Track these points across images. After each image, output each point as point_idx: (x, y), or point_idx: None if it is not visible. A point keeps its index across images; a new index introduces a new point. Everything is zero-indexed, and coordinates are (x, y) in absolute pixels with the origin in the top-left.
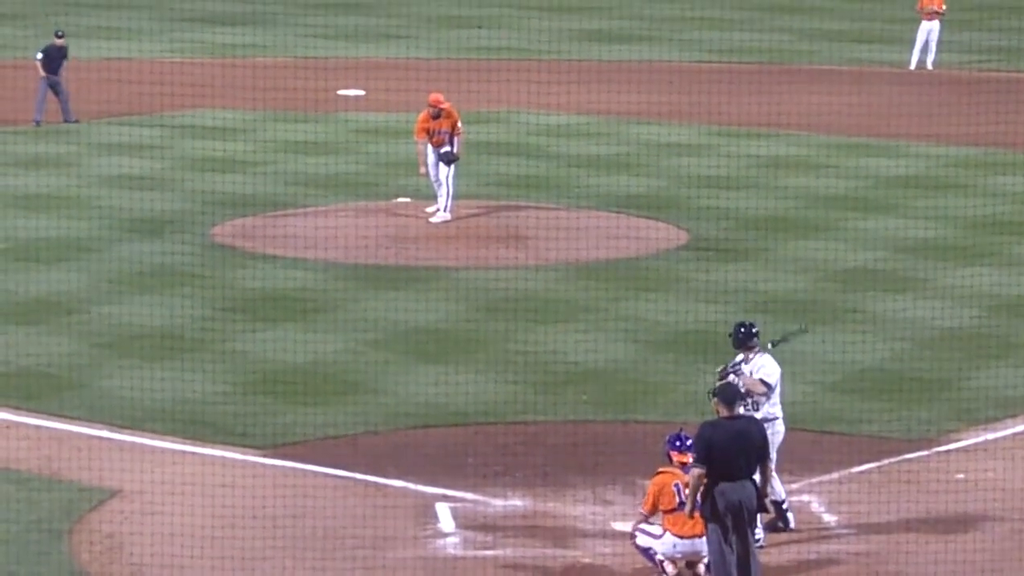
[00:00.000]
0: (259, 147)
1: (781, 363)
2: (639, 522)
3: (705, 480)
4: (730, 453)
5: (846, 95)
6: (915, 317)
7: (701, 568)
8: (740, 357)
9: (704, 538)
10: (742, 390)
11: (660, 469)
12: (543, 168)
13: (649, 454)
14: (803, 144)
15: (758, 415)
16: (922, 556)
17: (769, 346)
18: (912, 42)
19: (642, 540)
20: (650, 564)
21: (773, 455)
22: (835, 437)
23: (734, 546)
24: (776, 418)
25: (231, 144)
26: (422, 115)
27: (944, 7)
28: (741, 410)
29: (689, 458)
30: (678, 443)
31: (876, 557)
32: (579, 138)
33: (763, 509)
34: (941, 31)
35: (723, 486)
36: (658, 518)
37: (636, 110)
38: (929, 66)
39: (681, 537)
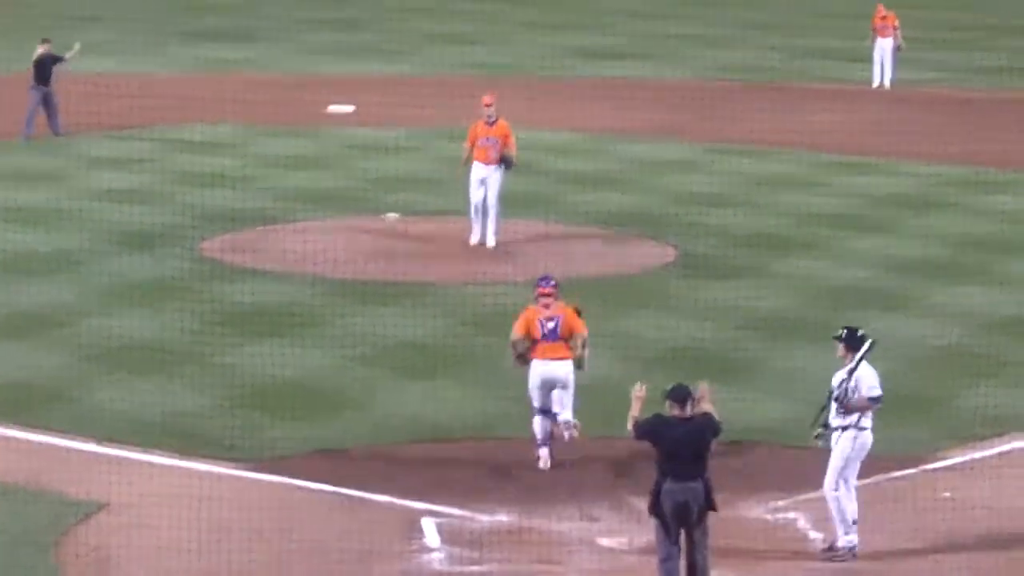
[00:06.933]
0: (249, 162)
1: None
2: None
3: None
4: (681, 453)
5: (836, 113)
6: (904, 336)
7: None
8: (842, 373)
9: (562, 362)
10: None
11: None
12: (532, 184)
13: (637, 470)
14: (793, 161)
15: (851, 418)
16: (909, 574)
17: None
18: (871, 60)
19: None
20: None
21: (857, 466)
22: (824, 453)
23: (683, 547)
24: (865, 428)
25: (221, 159)
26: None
27: (897, 24)
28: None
29: (550, 290)
30: (542, 281)
31: (863, 575)
32: (568, 155)
33: (712, 508)
34: (894, 49)
35: (670, 486)
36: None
37: (626, 127)
38: (887, 85)
39: (542, 360)
